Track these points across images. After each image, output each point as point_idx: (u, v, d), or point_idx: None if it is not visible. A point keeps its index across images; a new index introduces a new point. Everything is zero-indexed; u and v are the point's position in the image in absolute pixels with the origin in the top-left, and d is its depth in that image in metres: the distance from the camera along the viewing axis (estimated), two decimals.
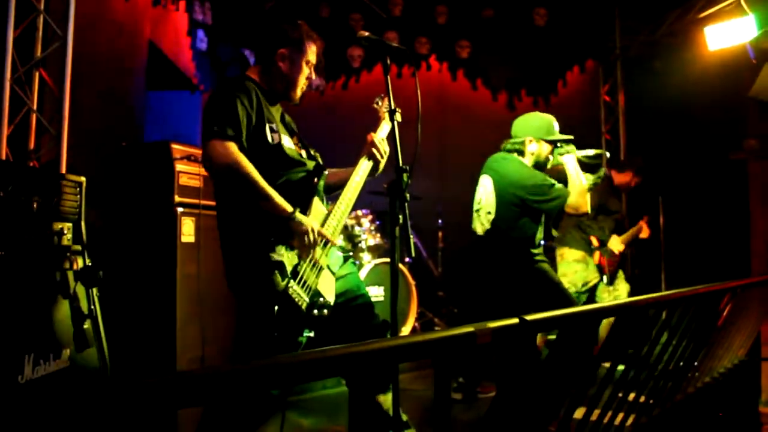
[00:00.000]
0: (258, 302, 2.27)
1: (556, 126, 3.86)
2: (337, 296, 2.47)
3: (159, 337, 3.44)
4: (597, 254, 5.03)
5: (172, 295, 3.45)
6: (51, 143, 3.68)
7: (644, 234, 5.17)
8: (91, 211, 2.98)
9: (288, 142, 2.53)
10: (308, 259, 2.36)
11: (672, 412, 2.90)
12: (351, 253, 4.96)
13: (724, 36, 5.58)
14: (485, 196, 3.67)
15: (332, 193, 2.70)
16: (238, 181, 2.28)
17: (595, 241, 4.98)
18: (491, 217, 3.62)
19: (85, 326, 2.61)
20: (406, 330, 4.99)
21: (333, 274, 2.50)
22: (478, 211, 3.71)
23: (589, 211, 3.65)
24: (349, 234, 5.15)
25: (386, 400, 2.38)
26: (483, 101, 6.96)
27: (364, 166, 2.66)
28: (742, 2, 5.43)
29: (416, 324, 5.31)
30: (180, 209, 3.53)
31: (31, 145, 3.63)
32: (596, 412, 2.24)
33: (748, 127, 4.94)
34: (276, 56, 2.55)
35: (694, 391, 3.17)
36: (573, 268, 5.01)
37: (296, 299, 2.25)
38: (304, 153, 2.61)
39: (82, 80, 3.88)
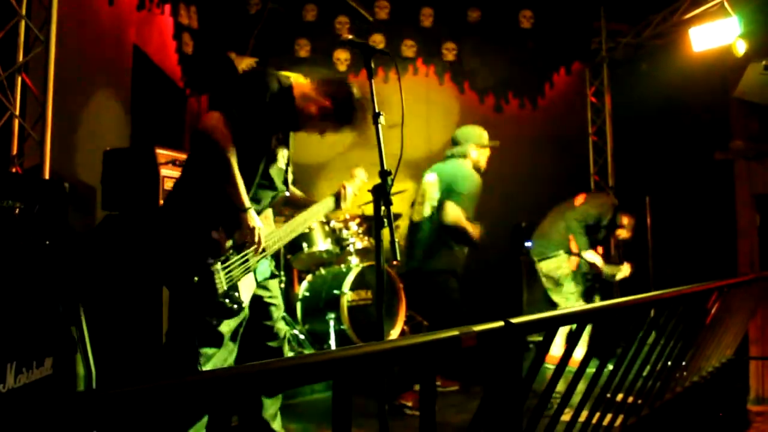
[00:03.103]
0: (183, 273, 2.39)
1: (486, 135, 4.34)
2: (252, 304, 2.63)
3: (145, 344, 3.41)
4: (575, 260, 5.02)
5: (158, 301, 3.42)
6: (34, 149, 3.64)
7: (622, 274, 5.20)
8: (75, 216, 2.96)
9: (282, 156, 2.69)
10: (241, 256, 2.50)
11: (661, 412, 2.90)
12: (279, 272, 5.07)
13: (708, 37, 5.62)
14: (429, 189, 4.15)
15: (287, 212, 3.01)
16: (217, 157, 2.37)
17: (574, 247, 4.98)
18: (433, 204, 4.09)
19: (69, 333, 2.58)
20: (395, 333, 4.98)
21: (256, 281, 2.64)
22: (421, 203, 4.19)
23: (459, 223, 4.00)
24: (336, 237, 5.13)
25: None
26: (470, 104, 6.96)
27: (327, 203, 2.94)
28: (726, 4, 5.47)
29: (405, 327, 5.30)
30: None
31: (14, 151, 3.59)
32: (584, 414, 2.24)
33: (731, 128, 4.97)
34: (323, 103, 2.66)
35: (682, 391, 3.18)
36: (572, 288, 5.03)
37: (216, 280, 2.38)
38: (284, 168, 2.76)
39: (66, 85, 3.84)
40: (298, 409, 3.88)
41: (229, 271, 2.44)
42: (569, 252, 5.01)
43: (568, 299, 5.04)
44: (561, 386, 2.04)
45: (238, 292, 2.47)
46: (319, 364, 1.11)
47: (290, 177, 2.81)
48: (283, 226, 2.75)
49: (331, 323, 4.75)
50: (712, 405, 3.62)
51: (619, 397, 2.54)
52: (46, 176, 3.59)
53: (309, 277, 5.23)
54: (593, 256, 5.00)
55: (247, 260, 2.52)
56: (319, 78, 2.72)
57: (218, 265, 2.39)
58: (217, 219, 2.43)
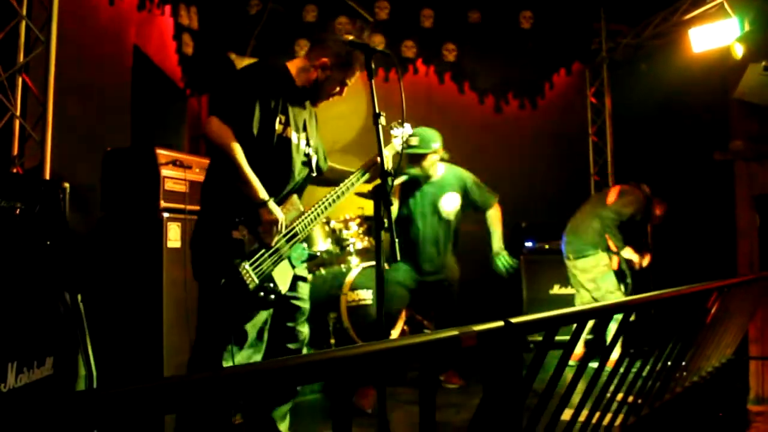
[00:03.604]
0: (210, 275, 2.46)
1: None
2: (288, 293, 2.67)
3: (146, 343, 3.41)
4: (616, 259, 5.06)
5: (158, 301, 3.42)
6: (34, 149, 3.65)
7: (645, 263, 5.21)
8: (76, 217, 2.96)
9: (295, 138, 2.67)
10: (269, 247, 2.52)
11: (661, 412, 2.90)
12: (318, 255, 5.09)
13: (708, 38, 5.62)
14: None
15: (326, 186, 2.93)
16: (226, 159, 2.43)
17: (613, 246, 4.99)
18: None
19: (70, 333, 2.58)
20: (395, 333, 4.98)
21: (293, 267, 2.68)
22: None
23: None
24: (337, 238, 5.14)
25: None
26: (470, 104, 6.96)
27: (358, 177, 2.86)
28: (726, 5, 5.48)
29: (405, 327, 5.30)
30: (166, 214, 3.50)
31: (15, 152, 3.60)
32: (584, 413, 2.24)
33: (731, 129, 4.97)
34: (318, 62, 2.68)
35: (682, 391, 3.18)
36: (613, 285, 5.05)
37: (245, 278, 2.41)
38: (305, 148, 2.76)
39: (66, 85, 3.84)
40: (295, 410, 3.87)
41: (258, 266, 2.48)
42: (608, 250, 5.04)
43: (607, 298, 5.03)
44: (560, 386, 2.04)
45: (273, 282, 2.53)
46: (318, 363, 1.11)
47: (316, 157, 2.83)
48: (312, 207, 2.75)
49: (331, 323, 4.75)
50: (712, 405, 3.62)
51: (620, 396, 2.55)
52: (47, 176, 3.59)
53: (309, 277, 5.22)
54: (631, 254, 5.03)
55: (277, 250, 2.56)
56: (306, 52, 2.80)
57: (245, 263, 2.44)
58: (239, 217, 2.47)
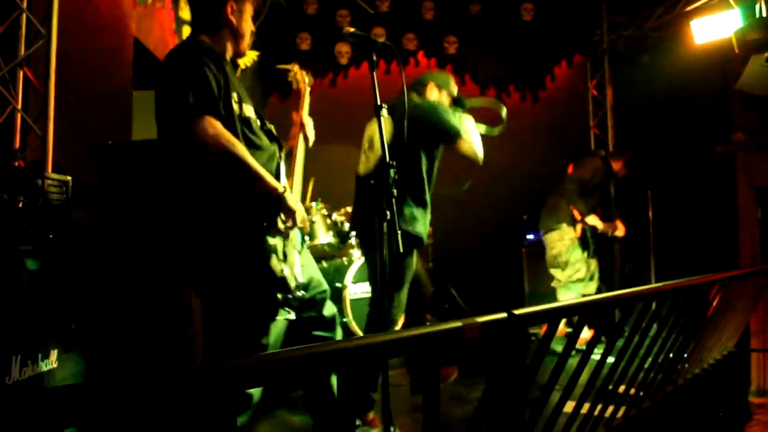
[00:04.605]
0: (255, 290, 2.18)
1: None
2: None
3: (147, 336, 3.41)
4: (579, 227, 5.14)
5: (160, 297, 3.42)
6: (36, 142, 3.65)
7: (619, 232, 5.27)
8: (78, 210, 2.96)
9: (251, 113, 2.33)
10: (289, 240, 2.30)
11: (662, 404, 2.91)
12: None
13: (710, 29, 5.60)
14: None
15: None
16: (234, 164, 2.09)
17: (577, 215, 5.10)
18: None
19: (73, 327, 2.59)
20: (397, 325, 4.98)
21: (299, 253, 2.43)
22: None
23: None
24: (338, 230, 5.14)
25: None
26: (471, 97, 6.94)
27: (301, 149, 2.65)
28: None
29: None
30: None
31: (17, 145, 3.60)
32: (586, 405, 2.25)
33: (733, 120, 4.97)
34: (224, 12, 2.36)
35: (684, 383, 3.19)
36: (581, 253, 5.11)
37: (290, 283, 2.23)
38: (259, 122, 2.40)
39: (68, 79, 3.84)
40: (299, 402, 3.88)
41: (290, 263, 2.28)
42: (574, 221, 5.15)
43: (578, 269, 5.17)
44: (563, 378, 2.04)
45: (298, 276, 2.33)
46: (322, 355, 1.11)
47: (270, 127, 2.46)
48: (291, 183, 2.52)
49: None
50: (714, 397, 3.63)
51: (621, 389, 2.55)
52: (49, 170, 3.60)
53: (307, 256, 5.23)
54: (594, 221, 5.13)
55: (290, 239, 2.32)
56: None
57: (284, 266, 2.23)
58: (262, 220, 2.19)
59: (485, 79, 6.97)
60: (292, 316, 2.30)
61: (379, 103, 2.35)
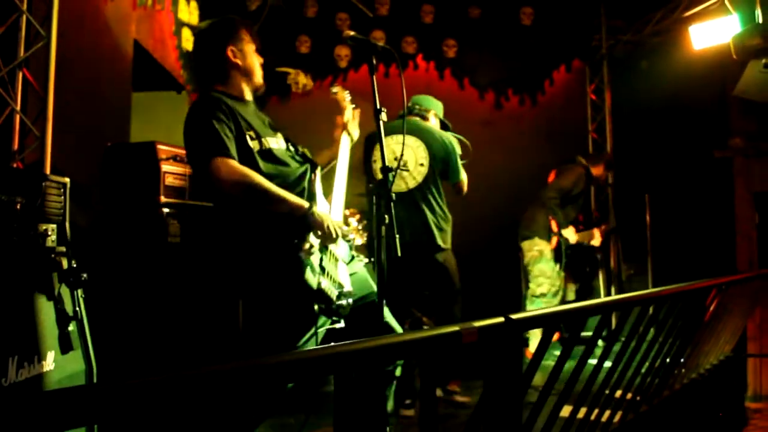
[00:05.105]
0: (293, 304, 2.30)
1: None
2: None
3: (145, 337, 3.41)
4: (554, 239, 5.09)
5: (158, 296, 3.42)
6: (35, 144, 3.65)
7: (595, 242, 5.25)
8: (76, 212, 2.95)
9: (275, 143, 2.50)
10: (328, 252, 2.40)
11: (659, 409, 2.91)
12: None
13: (708, 35, 5.61)
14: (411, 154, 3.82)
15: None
16: (251, 192, 2.28)
17: (554, 227, 5.04)
18: (424, 170, 3.81)
19: (70, 328, 2.58)
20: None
21: (345, 264, 2.57)
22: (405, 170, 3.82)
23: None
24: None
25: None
26: (470, 100, 6.96)
27: (345, 145, 2.78)
28: (726, 1, 5.47)
29: (405, 323, 5.30)
30: (166, 210, 3.50)
31: (15, 146, 3.59)
32: (583, 410, 2.25)
33: (731, 126, 4.98)
34: (227, 58, 2.52)
35: (680, 388, 3.19)
36: (551, 267, 5.06)
37: (329, 294, 2.30)
38: (292, 149, 2.60)
39: (67, 80, 3.84)
40: (298, 402, 3.88)
41: (329, 274, 2.37)
42: (548, 233, 5.09)
43: (540, 284, 5.08)
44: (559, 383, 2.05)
45: (344, 286, 2.44)
46: (320, 358, 1.12)
47: (304, 150, 2.66)
48: (331, 198, 2.64)
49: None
50: (711, 402, 3.63)
51: (618, 393, 2.56)
52: (48, 171, 3.59)
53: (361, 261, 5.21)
54: (569, 234, 5.09)
55: (332, 253, 2.44)
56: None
57: (322, 278, 2.31)
58: (293, 238, 2.29)
59: (484, 83, 6.98)
60: (341, 324, 2.39)
61: (378, 106, 2.36)
